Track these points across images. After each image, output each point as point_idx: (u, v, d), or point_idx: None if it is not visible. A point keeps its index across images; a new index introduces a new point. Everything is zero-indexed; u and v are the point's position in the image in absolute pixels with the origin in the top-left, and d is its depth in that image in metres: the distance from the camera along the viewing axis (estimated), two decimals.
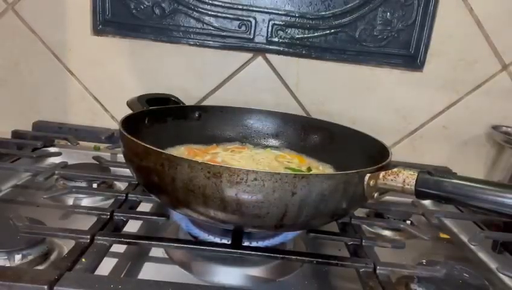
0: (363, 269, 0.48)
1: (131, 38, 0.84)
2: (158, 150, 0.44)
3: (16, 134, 0.85)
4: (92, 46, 0.85)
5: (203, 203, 0.43)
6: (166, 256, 0.53)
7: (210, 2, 0.82)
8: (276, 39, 0.85)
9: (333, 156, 0.68)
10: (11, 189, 0.69)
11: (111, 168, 0.74)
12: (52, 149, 0.82)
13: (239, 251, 0.49)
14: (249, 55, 0.86)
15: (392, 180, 0.46)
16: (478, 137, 0.92)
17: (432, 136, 0.91)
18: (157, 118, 0.66)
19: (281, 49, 0.85)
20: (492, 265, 0.61)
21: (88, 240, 0.47)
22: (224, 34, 0.84)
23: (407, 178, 0.45)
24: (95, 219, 0.53)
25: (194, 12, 0.83)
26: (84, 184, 0.68)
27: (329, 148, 0.70)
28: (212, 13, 0.83)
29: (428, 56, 0.86)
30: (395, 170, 0.46)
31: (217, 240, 0.54)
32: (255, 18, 0.83)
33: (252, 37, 0.84)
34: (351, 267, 0.49)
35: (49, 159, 0.80)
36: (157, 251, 0.54)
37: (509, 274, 0.54)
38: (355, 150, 0.64)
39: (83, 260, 0.44)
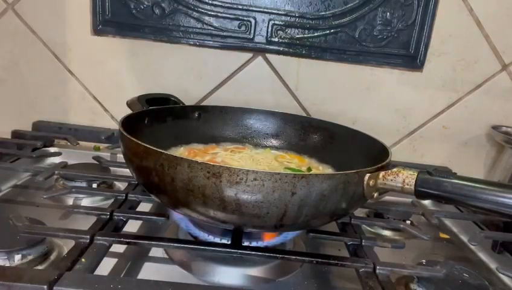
0: (362, 269, 0.48)
1: (131, 38, 0.84)
2: (158, 150, 0.44)
3: (16, 134, 0.85)
4: (92, 46, 0.85)
5: (203, 203, 0.43)
6: (166, 256, 0.53)
7: (210, 2, 0.82)
8: (276, 39, 0.85)
9: (333, 156, 0.68)
10: (11, 189, 0.69)
11: (111, 168, 0.74)
12: (52, 149, 0.82)
13: (239, 250, 0.49)
14: (249, 55, 0.86)
15: (391, 180, 0.46)
16: (478, 137, 0.92)
17: (432, 136, 0.91)
18: (157, 118, 0.66)
19: (281, 49, 0.85)
20: (492, 265, 0.61)
21: (88, 240, 0.47)
22: (224, 34, 0.84)
23: (407, 178, 0.45)
24: (94, 218, 0.53)
25: (194, 13, 0.83)
26: (84, 184, 0.68)
27: (329, 148, 0.70)
28: (212, 13, 0.83)
29: (428, 56, 0.86)
30: (394, 170, 0.46)
31: (217, 240, 0.54)
32: (254, 18, 0.83)
33: (251, 37, 0.84)
34: (350, 267, 0.49)
35: (49, 159, 0.80)
36: (157, 251, 0.54)
37: (509, 274, 0.54)
38: (355, 150, 0.64)
39: (83, 260, 0.44)
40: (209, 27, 0.84)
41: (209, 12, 0.83)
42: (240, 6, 0.83)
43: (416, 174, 0.45)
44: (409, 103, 0.89)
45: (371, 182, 0.46)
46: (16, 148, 0.79)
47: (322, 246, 0.60)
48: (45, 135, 0.85)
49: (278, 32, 0.84)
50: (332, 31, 0.84)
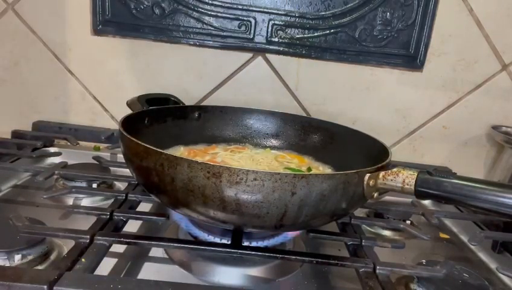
0: (362, 269, 0.48)
1: (131, 38, 0.84)
2: (158, 150, 0.44)
3: (16, 134, 0.85)
4: (92, 46, 0.85)
5: (203, 203, 0.43)
6: (166, 256, 0.53)
7: (210, 2, 0.82)
8: (276, 39, 0.85)
9: (333, 156, 0.68)
10: (11, 189, 0.69)
11: (111, 168, 0.74)
12: (52, 149, 0.82)
13: (239, 250, 0.49)
14: (248, 55, 0.86)
15: (391, 180, 0.46)
16: (478, 137, 0.92)
17: (432, 136, 0.91)
18: (157, 118, 0.66)
19: (281, 49, 0.85)
20: (492, 265, 0.61)
21: (88, 240, 0.47)
22: (224, 34, 0.84)
23: (407, 178, 0.45)
24: (94, 218, 0.53)
25: (194, 13, 0.83)
26: (84, 184, 0.68)
27: (329, 148, 0.70)
28: (212, 13, 0.83)
29: (428, 56, 0.86)
30: (394, 169, 0.46)
31: (217, 240, 0.54)
32: (254, 18, 0.83)
33: (251, 37, 0.84)
34: (350, 267, 0.49)
35: (49, 159, 0.80)
36: (157, 251, 0.54)
37: (509, 274, 0.54)
38: (355, 150, 0.64)
39: (83, 260, 0.44)
40: (209, 27, 0.84)
41: (209, 12, 0.83)
42: (240, 6, 0.83)
43: (416, 174, 0.45)
44: (409, 103, 0.89)
45: (371, 182, 0.46)
46: (16, 148, 0.79)
47: (322, 246, 0.60)
48: (45, 135, 0.85)
49: (278, 32, 0.84)
50: (332, 31, 0.84)
